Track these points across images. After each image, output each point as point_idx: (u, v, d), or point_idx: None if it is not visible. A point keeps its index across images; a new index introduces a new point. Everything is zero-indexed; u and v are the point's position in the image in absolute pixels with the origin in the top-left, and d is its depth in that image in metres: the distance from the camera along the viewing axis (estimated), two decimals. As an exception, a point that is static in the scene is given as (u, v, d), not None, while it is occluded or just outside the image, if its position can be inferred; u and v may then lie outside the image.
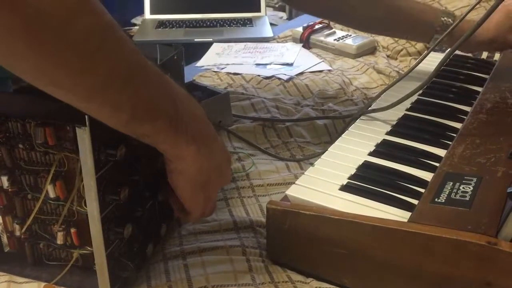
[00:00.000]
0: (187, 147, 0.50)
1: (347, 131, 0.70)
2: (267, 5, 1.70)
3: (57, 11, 0.37)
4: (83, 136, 0.46)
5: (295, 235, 0.56)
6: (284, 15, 2.47)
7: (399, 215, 0.52)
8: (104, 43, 0.41)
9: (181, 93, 0.50)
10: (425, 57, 0.81)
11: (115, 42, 0.42)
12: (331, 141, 0.70)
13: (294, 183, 0.59)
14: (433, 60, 0.82)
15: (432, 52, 0.83)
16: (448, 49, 0.80)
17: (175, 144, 0.50)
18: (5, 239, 0.56)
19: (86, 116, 0.45)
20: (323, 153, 0.65)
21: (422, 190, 0.55)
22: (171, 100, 0.48)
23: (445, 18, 0.84)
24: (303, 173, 0.60)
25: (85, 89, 0.42)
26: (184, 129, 0.49)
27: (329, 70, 1.12)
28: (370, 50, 1.21)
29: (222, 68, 1.14)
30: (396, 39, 1.20)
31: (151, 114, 0.46)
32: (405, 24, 0.87)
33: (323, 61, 1.16)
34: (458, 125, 0.69)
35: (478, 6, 0.86)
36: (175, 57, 0.62)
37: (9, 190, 0.53)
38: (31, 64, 0.39)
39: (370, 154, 0.64)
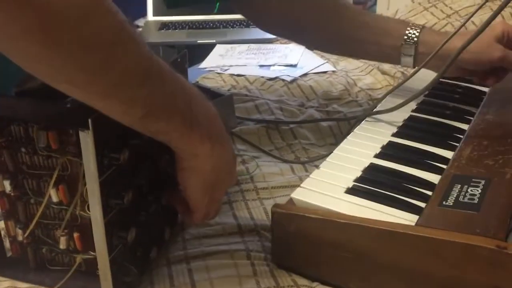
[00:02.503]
0: (202, 144, 0.50)
1: (352, 132, 0.69)
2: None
3: (71, 10, 0.37)
4: (86, 140, 0.45)
5: (300, 239, 0.55)
6: (287, 16, 2.46)
7: (406, 219, 0.51)
8: (118, 41, 0.41)
9: (194, 92, 0.50)
10: (431, 58, 0.81)
11: (129, 40, 0.42)
12: (336, 143, 0.69)
13: (299, 185, 0.58)
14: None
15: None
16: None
17: (190, 141, 0.50)
18: (7, 244, 0.56)
19: (89, 120, 0.44)
20: (328, 155, 0.64)
21: (430, 193, 0.55)
22: (185, 98, 0.49)
23: (409, 30, 0.75)
24: (308, 175, 0.60)
25: (100, 87, 0.42)
26: (199, 127, 0.49)
27: (333, 71, 1.11)
28: (374, 50, 1.20)
29: (226, 70, 1.13)
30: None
31: (166, 111, 0.47)
32: (370, 41, 0.78)
33: (327, 62, 1.16)
34: (465, 127, 0.68)
35: (485, 6, 0.84)
36: (179, 60, 0.61)
37: (12, 194, 0.52)
38: (46, 63, 0.39)
39: (376, 156, 0.63)
